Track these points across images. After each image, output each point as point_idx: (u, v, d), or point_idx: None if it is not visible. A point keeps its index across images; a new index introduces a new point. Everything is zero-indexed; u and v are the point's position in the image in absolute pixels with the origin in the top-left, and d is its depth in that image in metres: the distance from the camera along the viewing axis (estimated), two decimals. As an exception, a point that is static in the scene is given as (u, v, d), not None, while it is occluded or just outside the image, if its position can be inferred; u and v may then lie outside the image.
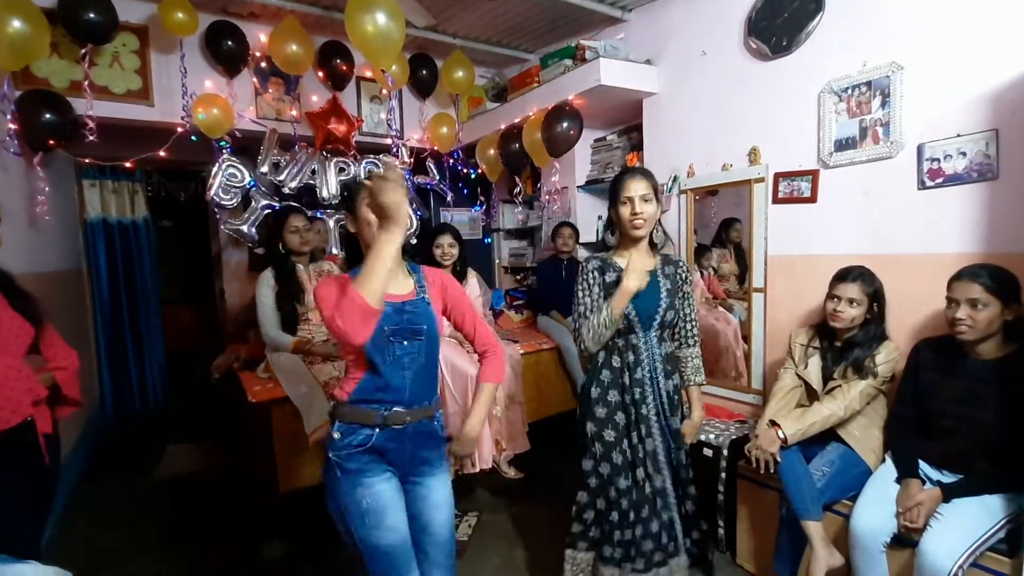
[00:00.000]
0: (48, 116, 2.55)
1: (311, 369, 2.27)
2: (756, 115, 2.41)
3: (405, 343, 1.32)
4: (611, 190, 1.68)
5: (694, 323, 1.81)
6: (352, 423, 1.31)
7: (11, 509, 1.42)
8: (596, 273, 1.69)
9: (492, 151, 3.55)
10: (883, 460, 1.79)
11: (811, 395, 1.93)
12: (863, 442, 1.83)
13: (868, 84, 2.02)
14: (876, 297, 1.83)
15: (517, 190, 3.72)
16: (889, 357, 1.78)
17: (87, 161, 3.15)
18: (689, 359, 1.82)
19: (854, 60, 2.06)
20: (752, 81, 2.41)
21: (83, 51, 2.60)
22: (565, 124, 2.92)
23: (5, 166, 2.46)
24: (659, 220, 1.70)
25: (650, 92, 2.88)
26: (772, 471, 1.80)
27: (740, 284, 2.65)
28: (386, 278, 1.14)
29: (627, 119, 3.30)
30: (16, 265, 2.46)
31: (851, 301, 1.81)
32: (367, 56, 2.73)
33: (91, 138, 2.68)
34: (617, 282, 1.62)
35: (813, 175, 2.21)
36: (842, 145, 2.11)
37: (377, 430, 1.31)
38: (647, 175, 1.64)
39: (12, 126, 2.47)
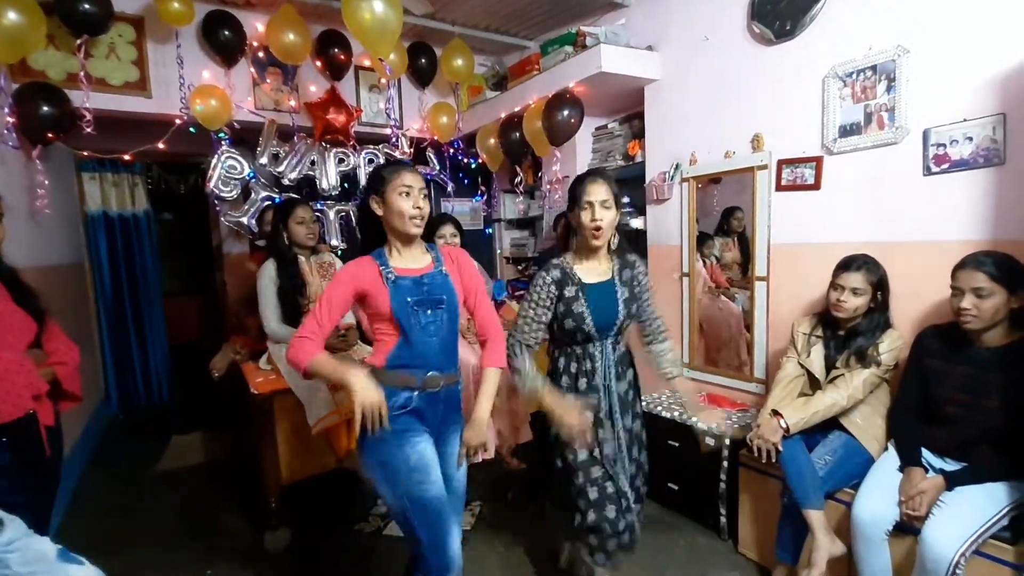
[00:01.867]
0: (46, 109, 2.54)
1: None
2: (759, 101, 2.38)
3: (429, 312, 1.41)
4: (570, 193, 1.65)
5: (659, 318, 1.79)
6: (392, 386, 1.40)
7: (15, 501, 1.42)
8: (554, 288, 1.63)
9: (493, 140, 3.52)
10: (886, 448, 1.79)
11: (814, 384, 1.92)
12: (866, 431, 1.83)
13: (873, 68, 1.99)
14: (880, 286, 1.82)
15: (518, 180, 3.70)
16: (893, 346, 1.77)
17: (86, 154, 3.13)
18: (664, 354, 1.79)
19: (859, 44, 2.02)
20: (755, 67, 2.37)
21: (79, 42, 2.57)
22: (566, 112, 2.89)
23: (4, 159, 2.45)
24: (618, 225, 1.66)
25: (652, 79, 2.84)
26: (774, 460, 1.80)
27: (743, 273, 2.63)
28: (329, 375, 1.35)
29: (628, 107, 3.26)
30: (18, 259, 2.45)
31: (854, 291, 1.80)
32: (365, 45, 2.70)
33: (88, 130, 2.66)
34: (575, 297, 1.61)
35: (817, 162, 2.18)
36: (846, 131, 2.08)
37: (416, 392, 1.41)
38: (608, 180, 1.60)
39: (10, 119, 2.46)
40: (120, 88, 2.89)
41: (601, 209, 1.57)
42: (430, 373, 1.42)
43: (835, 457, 1.81)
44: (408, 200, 1.39)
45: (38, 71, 2.65)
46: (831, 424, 1.85)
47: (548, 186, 3.54)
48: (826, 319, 1.93)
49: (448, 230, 2.69)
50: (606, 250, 1.68)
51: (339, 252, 3.52)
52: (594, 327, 1.62)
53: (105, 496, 2.87)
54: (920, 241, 1.93)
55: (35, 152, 2.61)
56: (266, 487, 2.28)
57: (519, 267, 4.51)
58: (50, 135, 2.60)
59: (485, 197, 4.43)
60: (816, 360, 1.90)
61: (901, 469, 1.67)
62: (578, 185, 1.62)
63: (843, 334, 1.88)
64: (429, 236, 1.58)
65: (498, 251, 4.61)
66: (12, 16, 2.18)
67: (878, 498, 1.63)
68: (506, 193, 4.39)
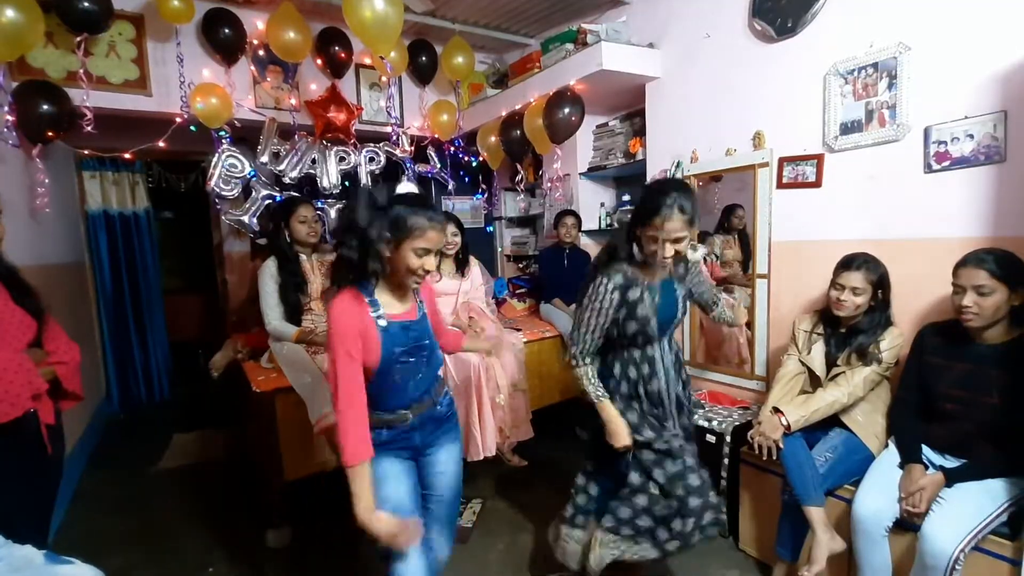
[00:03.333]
0: (46, 107, 2.53)
1: (314, 359, 2.28)
2: (760, 99, 2.37)
3: (412, 359, 1.39)
4: (642, 211, 1.50)
5: (719, 300, 1.89)
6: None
7: (16, 500, 1.43)
8: (616, 294, 1.55)
9: (493, 138, 3.52)
10: (886, 445, 1.79)
11: (814, 381, 1.93)
12: (866, 427, 1.83)
13: (875, 66, 1.98)
14: (880, 284, 1.82)
15: (519, 178, 3.69)
16: (893, 343, 1.77)
17: (86, 153, 3.13)
18: (725, 307, 1.90)
19: (860, 41, 2.02)
20: (756, 64, 2.37)
21: (78, 40, 2.57)
22: (567, 110, 2.89)
23: (3, 158, 2.45)
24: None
25: (653, 76, 2.83)
26: (775, 457, 1.81)
27: (744, 271, 2.64)
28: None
29: (629, 104, 3.26)
30: (18, 258, 2.44)
31: (854, 290, 1.80)
32: (365, 42, 2.70)
33: (88, 129, 2.66)
34: (640, 299, 1.56)
35: (818, 159, 2.18)
36: (847, 128, 2.08)
37: (385, 430, 1.40)
38: (687, 209, 1.43)
39: (9, 118, 2.46)
40: (120, 86, 2.88)
41: (672, 244, 1.47)
42: (398, 411, 1.40)
43: (835, 454, 1.81)
44: (420, 260, 1.29)
45: (37, 69, 2.64)
46: (831, 421, 1.86)
47: (549, 184, 3.54)
48: (827, 316, 1.93)
49: (450, 229, 2.70)
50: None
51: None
52: (656, 328, 1.58)
53: (106, 494, 2.87)
54: (921, 239, 1.93)
55: (35, 151, 2.61)
56: (268, 485, 2.29)
57: (520, 265, 4.51)
58: (50, 133, 2.60)
59: (486, 195, 4.43)
60: (817, 357, 1.91)
61: (901, 466, 1.67)
62: (653, 210, 1.45)
63: (844, 331, 1.88)
64: None
65: (499, 249, 4.61)
66: (10, 13, 2.17)
67: (878, 495, 1.64)
68: (507, 191, 4.39)
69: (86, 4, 2.47)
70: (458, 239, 2.74)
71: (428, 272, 1.32)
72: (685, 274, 1.71)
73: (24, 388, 1.39)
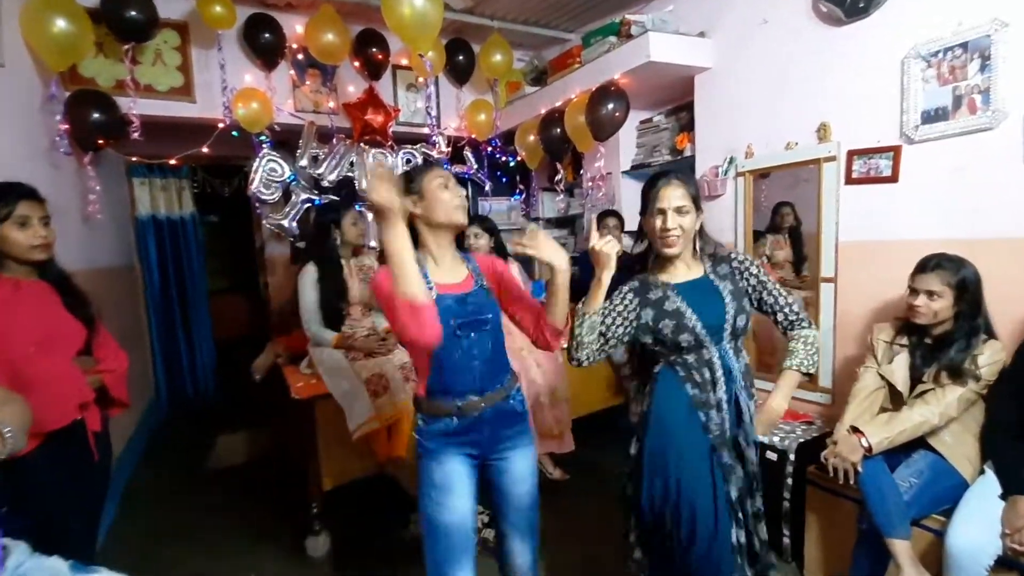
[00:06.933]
0: (96, 116, 2.59)
1: (353, 365, 2.23)
2: (826, 87, 2.18)
3: (472, 335, 1.31)
4: (642, 197, 1.44)
5: (790, 304, 1.45)
6: (430, 414, 1.35)
7: (64, 507, 1.43)
8: (631, 295, 1.42)
9: (532, 137, 3.42)
10: (981, 471, 1.60)
11: (895, 398, 1.74)
12: (956, 450, 1.64)
13: (964, 46, 1.78)
14: (963, 287, 1.62)
15: (558, 177, 3.58)
16: (994, 358, 1.57)
17: (134, 159, 3.21)
18: (797, 340, 1.45)
19: (946, 19, 1.82)
20: (822, 50, 2.18)
21: (126, 48, 2.61)
22: (611, 105, 2.76)
23: (57, 165, 2.51)
24: (702, 228, 1.44)
25: (703, 67, 2.67)
26: (852, 482, 1.63)
27: (796, 272, 2.47)
28: (413, 268, 1.14)
29: (675, 98, 3.10)
30: (72, 262, 2.51)
31: (930, 294, 1.62)
32: (404, 40, 2.64)
33: (135, 136, 2.71)
34: (665, 297, 1.40)
35: (895, 151, 1.98)
36: (931, 116, 1.88)
37: (455, 419, 1.33)
38: (684, 180, 1.38)
39: (63, 126, 2.51)
40: (166, 93, 2.93)
41: (675, 216, 1.36)
42: (469, 398, 1.32)
43: (921, 479, 1.62)
44: (447, 190, 1.31)
45: (88, 79, 2.71)
46: (916, 442, 1.66)
47: (590, 183, 3.41)
48: (910, 325, 1.74)
49: (472, 230, 2.55)
50: (691, 254, 1.45)
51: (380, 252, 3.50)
52: (700, 324, 1.36)
53: (155, 494, 2.93)
54: (1018, 237, 1.72)
55: (87, 158, 2.67)
56: (307, 492, 2.26)
57: (558, 267, 4.39)
58: (100, 141, 2.65)
59: (524, 195, 4.33)
60: (899, 371, 1.72)
61: (1003, 496, 1.48)
62: (649, 188, 1.41)
63: (930, 343, 1.69)
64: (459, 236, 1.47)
65: (537, 251, 4.51)
66: (61, 24, 2.22)
67: (977, 528, 1.45)
68: (545, 191, 4.28)
69: (133, 13, 2.51)
70: (483, 241, 2.58)
71: (463, 198, 1.32)
72: (726, 270, 1.45)
73: (73, 397, 1.38)
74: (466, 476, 1.35)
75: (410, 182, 1.33)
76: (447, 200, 1.30)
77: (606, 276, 1.33)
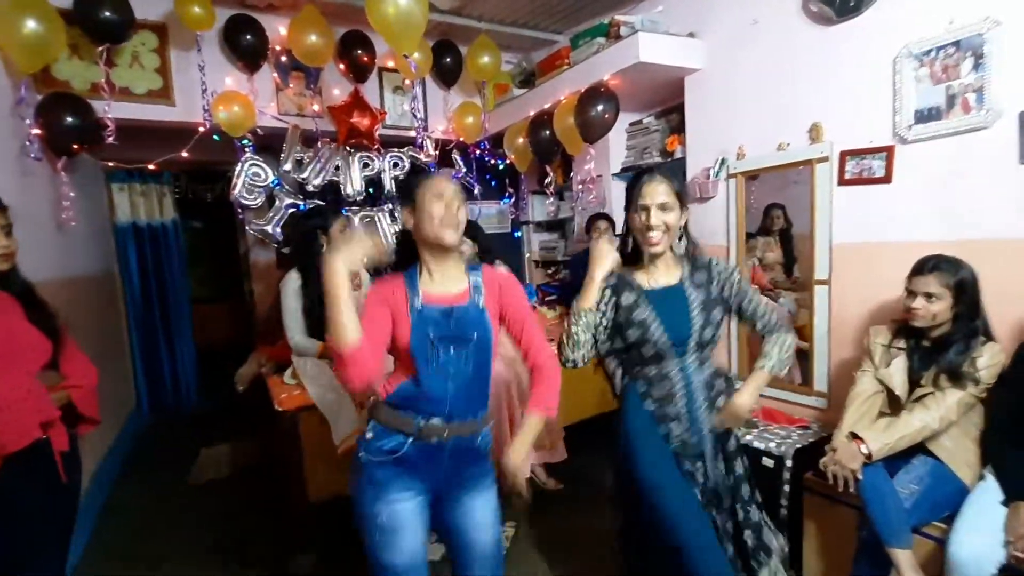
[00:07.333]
0: (70, 120, 2.50)
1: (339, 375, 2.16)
2: (817, 88, 2.16)
3: (451, 350, 1.22)
4: (626, 194, 1.44)
5: (768, 314, 1.46)
6: (387, 426, 1.24)
7: (29, 534, 1.35)
8: (608, 291, 1.43)
9: (521, 140, 3.37)
10: (981, 476, 1.56)
11: (893, 402, 1.71)
12: (956, 455, 1.61)
13: (956, 44, 1.76)
14: (961, 288, 1.59)
15: (547, 180, 3.54)
16: (993, 360, 1.54)
17: (111, 164, 3.12)
18: (771, 344, 1.46)
19: (938, 17, 1.80)
20: (813, 49, 2.16)
21: (100, 49, 2.53)
22: (600, 107, 2.72)
23: (27, 171, 2.40)
24: (685, 227, 1.44)
25: (694, 68, 2.64)
26: (852, 490, 1.59)
27: (787, 274, 2.44)
28: (341, 314, 1.09)
29: (665, 100, 3.07)
30: (45, 271, 2.43)
31: (928, 296, 1.59)
32: (388, 40, 2.58)
33: (110, 140, 2.62)
34: (636, 304, 1.40)
35: (887, 152, 1.96)
36: (924, 116, 1.85)
37: (410, 440, 1.23)
38: (668, 177, 1.39)
39: (35, 131, 2.42)
40: (144, 97, 2.85)
41: (659, 212, 1.35)
42: (431, 421, 1.22)
43: (922, 486, 1.59)
44: (441, 203, 1.21)
45: (62, 81, 2.61)
46: (914, 447, 1.63)
47: (580, 186, 3.37)
48: (907, 328, 1.70)
49: None
50: (672, 255, 1.45)
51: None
52: (666, 338, 1.37)
53: (134, 511, 2.82)
54: (1014, 239, 1.70)
55: (60, 163, 2.58)
56: (292, 505, 2.18)
57: (548, 271, 4.36)
58: (75, 146, 2.56)
59: (513, 199, 4.29)
60: (897, 375, 1.69)
61: (1005, 502, 1.45)
62: (633, 185, 1.41)
63: (928, 345, 1.66)
64: None
65: (527, 255, 4.47)
66: (32, 24, 2.13)
67: (980, 535, 1.42)
68: (535, 194, 4.25)
69: (107, 14, 2.43)
70: (467, 247, 2.50)
71: (455, 216, 1.22)
72: (703, 277, 1.44)
73: (33, 416, 1.30)
74: (417, 514, 1.24)
75: (410, 189, 1.27)
76: (435, 214, 1.20)
77: (599, 273, 1.39)
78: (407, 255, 1.30)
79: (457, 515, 1.29)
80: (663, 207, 1.36)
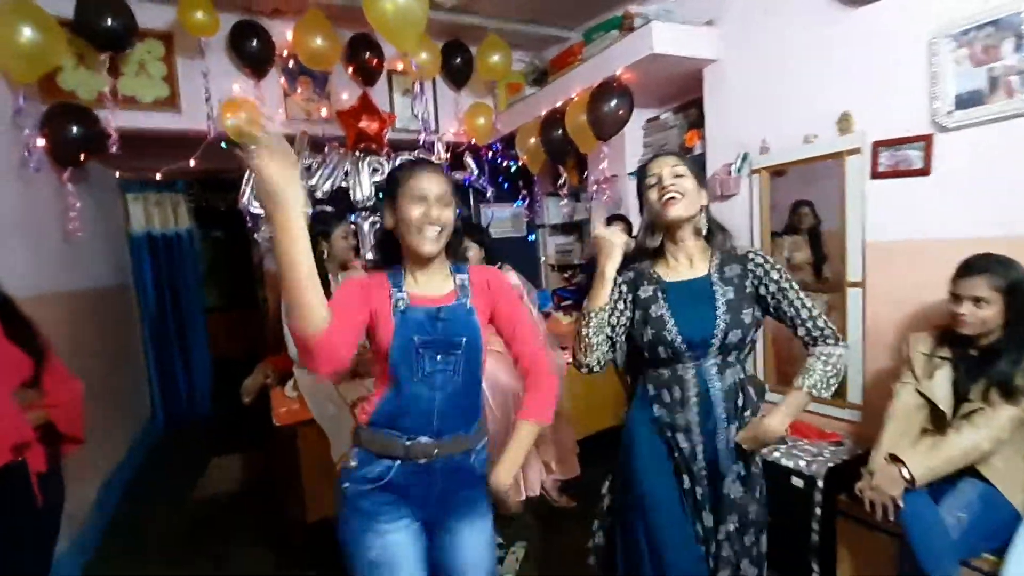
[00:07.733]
0: (75, 129, 2.49)
1: (339, 387, 2.08)
2: (846, 75, 2.00)
3: (438, 357, 1.12)
4: (636, 180, 1.34)
5: (814, 318, 1.25)
6: (371, 451, 1.14)
7: (4, 555, 1.29)
8: (625, 287, 1.33)
9: (533, 140, 3.27)
10: (1040, 503, 1.39)
11: (936, 417, 1.54)
12: (1009, 477, 1.43)
13: (995, 24, 1.60)
14: (1014, 291, 1.42)
15: (561, 181, 3.43)
16: (1052, 372, 1.37)
17: (117, 175, 3.12)
18: (815, 359, 1.25)
19: (976, -7, 1.63)
20: (839, 34, 2.00)
21: (102, 57, 2.52)
22: (613, 103, 2.60)
23: (31, 182, 2.39)
24: (707, 208, 1.30)
25: (711, 59, 2.50)
26: (892, 518, 1.43)
27: (816, 275, 2.28)
28: (303, 291, 0.89)
29: (683, 94, 2.93)
30: (50, 284, 2.41)
31: (976, 300, 1.43)
32: (387, 37, 2.52)
33: (114, 150, 2.61)
34: (653, 298, 1.28)
35: (926, 141, 1.79)
36: (965, 101, 1.68)
37: (397, 463, 1.12)
38: (677, 153, 1.34)
39: (40, 141, 2.42)
40: (151, 105, 2.84)
41: (672, 177, 1.24)
42: (419, 439, 1.11)
43: (970, 514, 1.42)
44: (420, 207, 1.09)
45: (68, 91, 2.61)
46: (963, 469, 1.46)
47: (595, 186, 3.24)
48: (952, 336, 1.54)
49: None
50: (699, 244, 1.30)
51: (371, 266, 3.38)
52: (681, 339, 1.23)
53: (136, 530, 2.77)
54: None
55: (66, 174, 2.57)
56: (292, 526, 2.11)
57: (565, 275, 4.23)
58: (82, 156, 2.56)
59: (527, 201, 4.19)
60: (941, 387, 1.52)
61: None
62: (642, 169, 1.32)
63: (976, 355, 1.49)
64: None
65: (542, 259, 4.35)
66: (28, 33, 2.11)
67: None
68: (549, 196, 4.13)
69: (109, 22, 2.41)
70: (473, 252, 2.31)
71: (436, 221, 1.10)
72: (736, 271, 1.27)
73: (4, 437, 1.24)
74: (411, 545, 1.13)
75: (391, 186, 1.14)
76: (413, 220, 1.09)
77: (610, 268, 1.27)
78: (389, 255, 1.20)
79: (448, 552, 1.18)
80: (676, 174, 1.25)
